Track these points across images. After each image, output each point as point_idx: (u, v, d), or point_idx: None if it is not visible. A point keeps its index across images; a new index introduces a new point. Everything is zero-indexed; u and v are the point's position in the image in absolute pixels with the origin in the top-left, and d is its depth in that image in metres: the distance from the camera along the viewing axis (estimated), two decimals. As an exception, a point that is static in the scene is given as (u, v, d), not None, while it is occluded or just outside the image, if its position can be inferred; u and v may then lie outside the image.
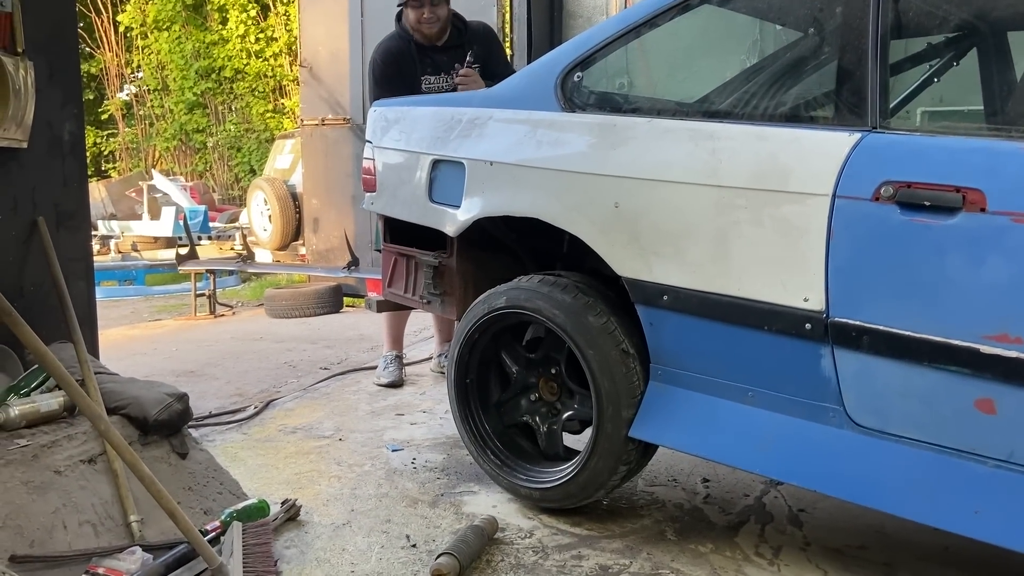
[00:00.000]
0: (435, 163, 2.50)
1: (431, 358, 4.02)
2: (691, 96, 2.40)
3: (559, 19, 6.33)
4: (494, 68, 3.57)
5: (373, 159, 2.76)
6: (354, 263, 5.68)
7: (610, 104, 2.29)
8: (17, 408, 2.05)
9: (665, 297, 1.98)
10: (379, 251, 3.88)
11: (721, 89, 2.29)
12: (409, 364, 3.97)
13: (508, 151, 2.30)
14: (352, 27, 6.17)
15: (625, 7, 5.96)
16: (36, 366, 2.20)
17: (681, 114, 2.14)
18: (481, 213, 2.34)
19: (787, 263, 1.79)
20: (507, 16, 6.08)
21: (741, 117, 2.00)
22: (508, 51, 6.08)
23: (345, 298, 6.27)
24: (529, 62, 6.04)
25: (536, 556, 2.07)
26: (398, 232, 2.76)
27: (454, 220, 2.43)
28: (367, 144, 2.80)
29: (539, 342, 2.34)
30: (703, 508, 2.36)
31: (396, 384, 3.70)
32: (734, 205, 1.86)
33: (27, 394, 2.15)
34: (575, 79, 2.24)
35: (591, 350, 2.09)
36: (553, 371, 2.31)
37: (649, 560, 2.04)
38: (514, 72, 3.69)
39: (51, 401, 2.11)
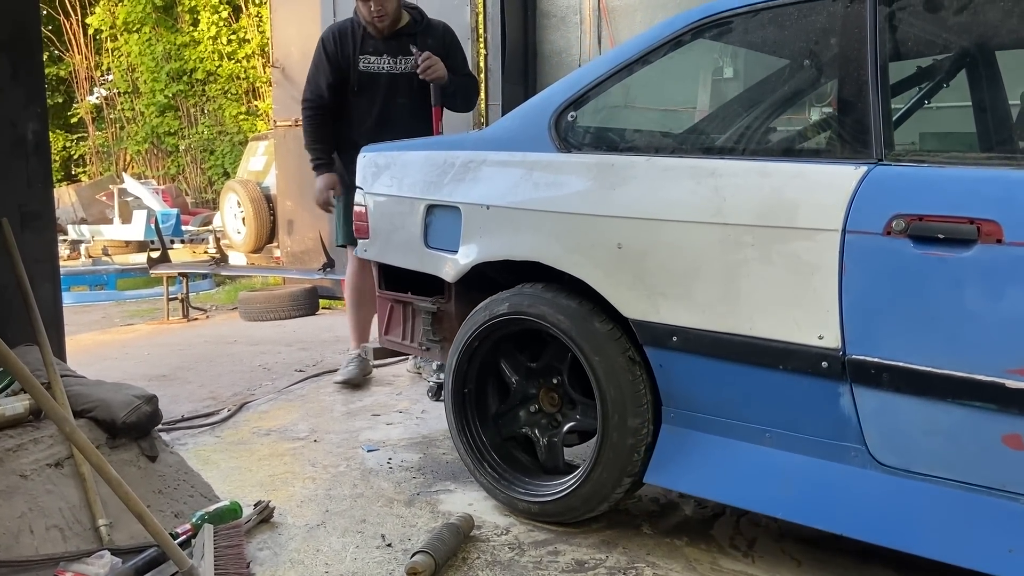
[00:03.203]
0: (429, 208, 2.45)
1: (407, 358, 4.00)
2: (689, 132, 2.39)
3: (533, 19, 6.33)
4: (451, 65, 3.57)
5: (365, 205, 2.70)
6: (329, 265, 5.64)
7: (606, 143, 2.27)
8: (-19, 412, 2.01)
9: (674, 338, 1.93)
10: (341, 246, 3.83)
11: (720, 125, 2.27)
12: (385, 365, 3.94)
13: (504, 194, 2.25)
14: (324, 23, 6.13)
15: (598, 3, 5.98)
16: (0, 370, 2.15)
17: (680, 151, 2.11)
18: (480, 258, 2.29)
19: (799, 300, 1.75)
20: (480, 16, 6.07)
21: (743, 153, 1.98)
22: (482, 50, 6.08)
23: (320, 300, 6.23)
24: (503, 62, 6.04)
25: (512, 553, 2.06)
26: (392, 277, 2.71)
27: (452, 266, 2.38)
28: (358, 190, 2.75)
29: (540, 352, 2.30)
30: (678, 501, 2.36)
31: (352, 382, 3.65)
32: (741, 243, 1.82)
33: (-9, 398, 2.10)
34: (569, 119, 2.21)
35: (597, 356, 2.04)
36: (555, 381, 2.27)
37: (625, 554, 2.04)
38: (472, 74, 3.71)
39: (16, 405, 2.07)
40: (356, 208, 2.75)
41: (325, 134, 3.64)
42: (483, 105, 6.11)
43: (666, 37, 2.08)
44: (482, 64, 6.11)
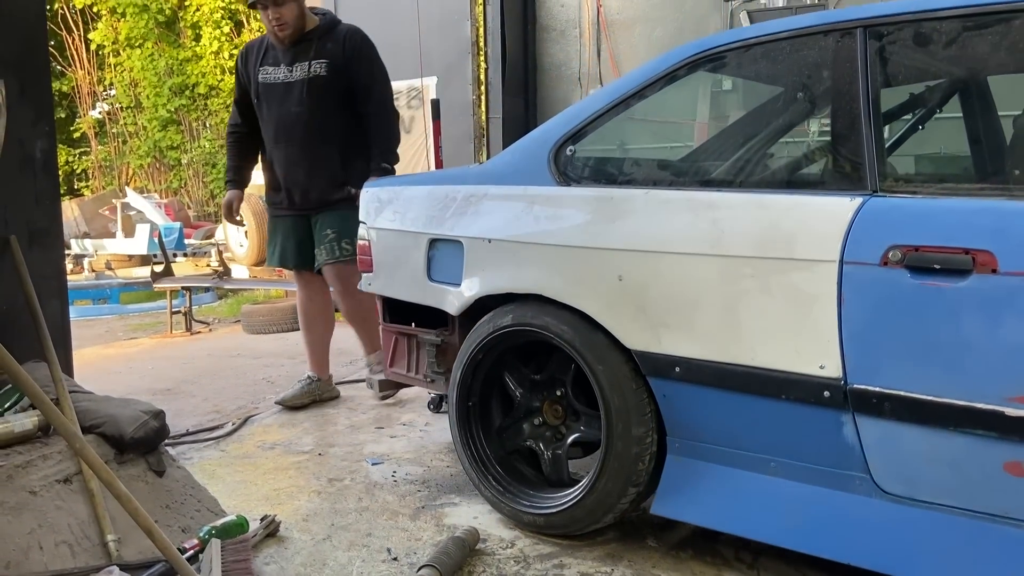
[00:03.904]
0: (432, 242, 2.47)
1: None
2: (687, 165, 2.42)
3: (533, 33, 6.39)
4: (354, 74, 3.37)
5: (368, 240, 2.74)
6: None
7: (605, 176, 2.30)
8: (-10, 429, 2.02)
9: (677, 369, 1.95)
10: (275, 267, 3.82)
11: (717, 157, 2.29)
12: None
13: (506, 228, 2.27)
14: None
15: (597, 16, 6.03)
16: (9, 386, 2.17)
17: (678, 184, 2.14)
18: (483, 292, 2.31)
19: (800, 330, 1.76)
20: (481, 30, 6.13)
21: (740, 185, 2.01)
22: (483, 64, 6.12)
23: (323, 313, 6.23)
24: (504, 75, 6.09)
25: (518, 566, 2.07)
26: (395, 309, 2.73)
27: (456, 299, 2.39)
28: (361, 224, 2.78)
29: (543, 364, 2.32)
30: (683, 514, 2.37)
31: (287, 403, 3.56)
32: (741, 274, 1.84)
33: (0, 414, 2.12)
34: (568, 153, 2.24)
35: (600, 366, 2.05)
36: (558, 393, 2.29)
37: (631, 567, 2.05)
38: (378, 86, 3.42)
39: (25, 421, 2.08)
40: (360, 242, 2.79)
41: (237, 152, 3.67)
42: (484, 118, 6.17)
43: (662, 72, 2.12)
44: (483, 77, 6.17)
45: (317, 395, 3.66)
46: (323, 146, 3.41)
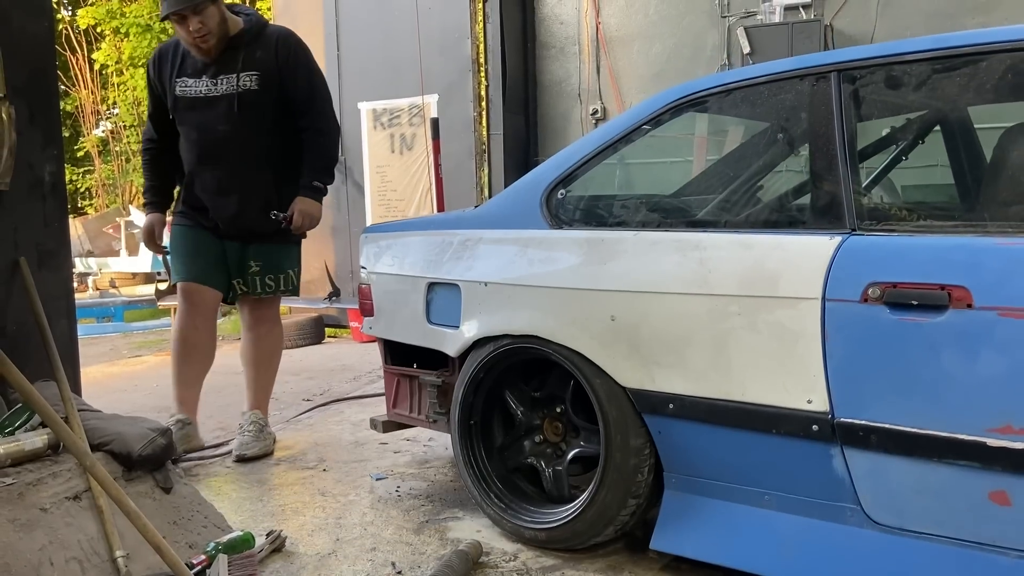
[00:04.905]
0: (430, 286, 2.53)
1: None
2: (673, 206, 2.49)
3: (532, 50, 6.45)
4: (289, 85, 3.06)
5: (369, 284, 2.80)
6: (335, 294, 5.71)
7: (595, 219, 2.36)
8: (2, 447, 2.06)
9: (671, 405, 2.00)
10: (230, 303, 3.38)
11: (702, 198, 2.36)
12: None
13: (501, 271, 2.33)
14: (328, 57, 6.25)
15: (596, 34, 6.09)
16: (19, 405, 2.21)
17: (665, 225, 2.20)
18: (480, 333, 2.36)
19: (786, 366, 1.81)
20: (481, 47, 6.19)
21: (725, 225, 2.07)
22: (483, 81, 6.19)
23: (327, 329, 6.29)
24: (504, 92, 6.15)
25: (520, 578, 2.10)
26: (396, 352, 2.77)
27: (455, 340, 2.44)
28: (362, 269, 2.84)
29: (542, 383, 2.37)
30: (683, 526, 2.39)
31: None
32: (728, 312, 1.89)
33: (11, 432, 2.15)
34: (559, 196, 2.30)
35: (598, 379, 2.10)
36: (558, 409, 2.33)
37: (631, 579, 2.08)
38: (318, 97, 3.13)
39: (35, 439, 2.11)
40: (360, 287, 2.84)
41: (155, 171, 3.33)
42: (485, 134, 6.22)
43: (648, 116, 2.21)
44: (483, 94, 6.23)
45: (186, 444, 3.11)
46: (256, 170, 3.09)
